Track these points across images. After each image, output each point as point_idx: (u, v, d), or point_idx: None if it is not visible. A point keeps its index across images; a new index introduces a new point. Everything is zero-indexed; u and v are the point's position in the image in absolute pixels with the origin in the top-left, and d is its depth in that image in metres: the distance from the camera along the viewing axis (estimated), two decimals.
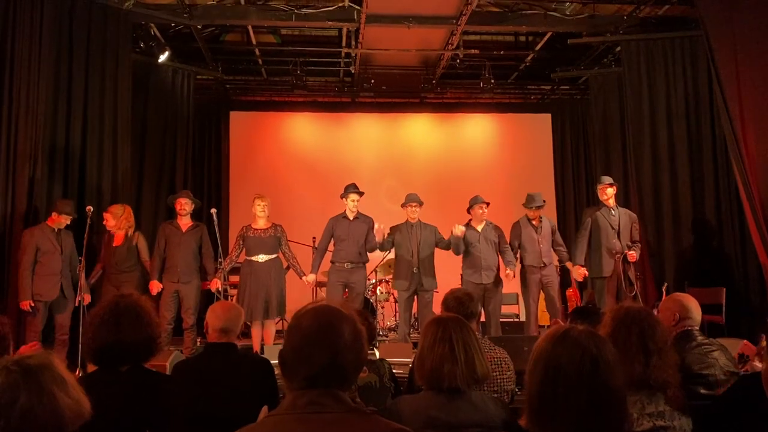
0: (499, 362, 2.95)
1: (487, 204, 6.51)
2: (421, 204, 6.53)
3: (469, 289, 6.27)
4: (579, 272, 6.38)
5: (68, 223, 5.88)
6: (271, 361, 4.76)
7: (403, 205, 6.59)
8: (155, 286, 6.13)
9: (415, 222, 6.51)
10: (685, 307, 2.99)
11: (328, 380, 1.38)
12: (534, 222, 6.48)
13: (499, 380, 2.93)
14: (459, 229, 6.30)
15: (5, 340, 2.77)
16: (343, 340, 1.40)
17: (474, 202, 6.53)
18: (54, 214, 5.81)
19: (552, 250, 6.54)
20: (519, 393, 3.64)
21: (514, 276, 6.38)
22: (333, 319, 1.43)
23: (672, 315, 3.00)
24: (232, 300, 7.65)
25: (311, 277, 6.41)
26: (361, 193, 6.53)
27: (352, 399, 2.29)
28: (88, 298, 5.87)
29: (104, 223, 6.15)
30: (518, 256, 6.54)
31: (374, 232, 6.37)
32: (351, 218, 6.48)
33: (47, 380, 1.42)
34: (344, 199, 6.53)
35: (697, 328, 2.96)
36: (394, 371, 3.46)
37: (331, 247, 6.59)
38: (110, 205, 6.34)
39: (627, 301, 6.22)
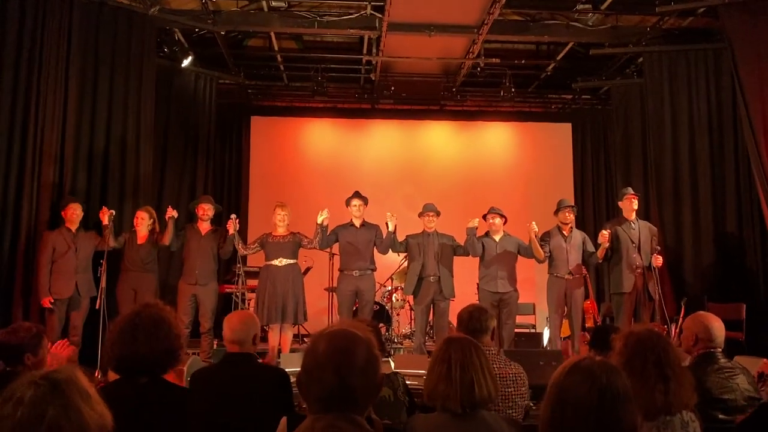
0: (514, 378, 2.95)
1: (504, 218, 6.47)
2: (438, 214, 6.53)
3: (486, 299, 6.32)
4: (602, 235, 6.22)
5: (80, 215, 5.98)
6: (287, 369, 4.82)
7: (420, 215, 6.60)
8: None
9: (431, 231, 6.51)
10: (706, 328, 2.92)
11: (340, 403, 1.41)
12: (564, 231, 6.43)
13: (514, 396, 2.93)
14: (473, 222, 6.31)
15: (40, 337, 2.91)
16: (354, 363, 1.43)
17: (488, 211, 6.53)
18: (62, 213, 5.98)
19: (581, 262, 6.44)
20: (534, 408, 3.64)
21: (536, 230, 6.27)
22: (347, 342, 1.46)
23: (692, 335, 2.96)
24: (249, 303, 7.71)
25: (324, 213, 6.27)
26: (364, 198, 6.53)
27: (368, 415, 2.31)
28: None
29: (140, 220, 6.26)
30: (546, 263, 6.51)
31: (385, 222, 6.35)
32: (358, 226, 6.51)
33: (73, 394, 1.45)
34: (348, 206, 6.56)
35: (720, 349, 2.90)
36: (408, 383, 3.48)
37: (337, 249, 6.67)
38: (141, 208, 6.47)
39: (645, 315, 6.19)
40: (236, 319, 2.95)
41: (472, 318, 3.03)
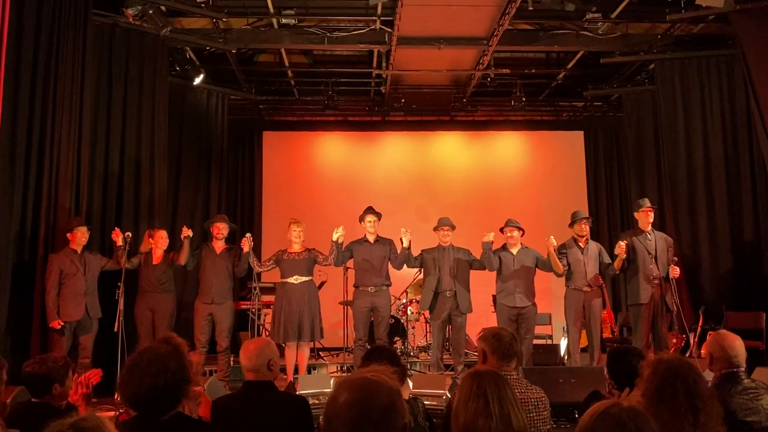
0: (536, 403, 2.92)
1: (521, 231, 6.44)
2: (453, 228, 6.52)
3: (503, 313, 6.29)
4: (620, 246, 6.15)
5: (86, 236, 5.96)
6: (305, 392, 4.82)
7: (435, 229, 6.59)
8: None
9: (447, 246, 6.49)
10: (721, 348, 2.87)
11: None
12: (580, 243, 6.39)
13: (536, 421, 2.89)
14: (489, 236, 6.28)
15: (67, 367, 2.98)
16: (370, 415, 1.45)
17: (506, 224, 6.50)
18: (68, 235, 5.93)
19: (599, 273, 6.38)
20: (555, 426, 3.62)
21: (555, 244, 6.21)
22: (366, 392, 1.47)
23: (708, 355, 2.92)
24: (265, 319, 7.73)
25: (339, 230, 6.25)
26: (378, 215, 6.54)
27: None
28: None
29: (159, 240, 6.29)
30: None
31: (400, 238, 6.35)
32: (372, 241, 6.50)
33: None
34: (362, 222, 6.56)
35: (743, 369, 2.85)
36: (427, 403, 3.47)
37: (351, 264, 6.69)
38: (156, 228, 6.52)
39: (663, 325, 6.13)
40: (252, 347, 2.95)
41: (503, 342, 2.99)
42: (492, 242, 6.31)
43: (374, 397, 1.46)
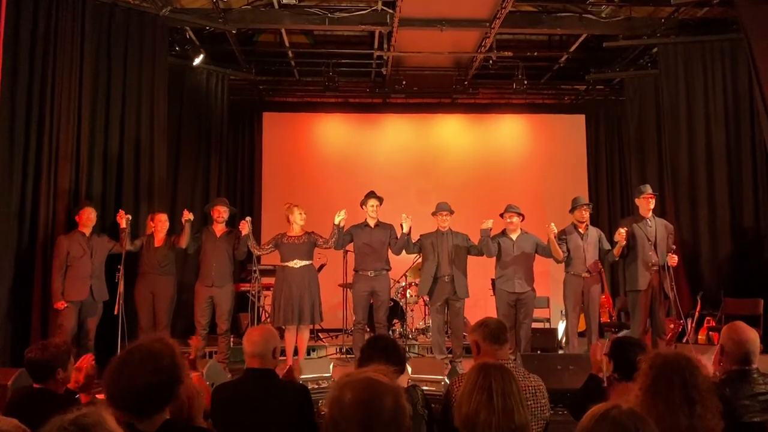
0: (534, 391, 2.94)
1: (521, 216, 6.42)
2: (451, 213, 6.50)
3: (502, 298, 6.31)
4: (620, 233, 6.13)
5: (94, 219, 5.97)
6: (305, 376, 4.85)
7: (433, 214, 6.57)
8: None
9: (445, 230, 6.49)
10: (734, 343, 2.68)
11: None
12: (580, 229, 6.38)
13: (534, 409, 2.91)
14: (487, 223, 6.27)
15: (69, 352, 3.02)
16: (380, 417, 1.44)
17: (506, 209, 6.47)
18: (75, 217, 5.96)
19: (598, 259, 6.38)
20: (553, 413, 3.64)
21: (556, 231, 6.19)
22: (373, 394, 1.47)
23: (719, 348, 2.75)
24: (265, 301, 7.76)
25: (342, 213, 6.25)
26: (379, 198, 6.52)
27: None
28: None
29: (159, 223, 6.30)
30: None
31: (400, 223, 6.35)
32: (372, 226, 6.49)
33: None
34: (364, 206, 6.54)
35: (755, 366, 2.65)
36: (425, 388, 3.49)
37: (351, 247, 6.69)
38: (157, 211, 6.53)
39: (661, 312, 6.15)
40: (256, 333, 2.96)
41: (490, 327, 3.00)
42: (490, 229, 6.30)
43: (381, 397, 1.46)
